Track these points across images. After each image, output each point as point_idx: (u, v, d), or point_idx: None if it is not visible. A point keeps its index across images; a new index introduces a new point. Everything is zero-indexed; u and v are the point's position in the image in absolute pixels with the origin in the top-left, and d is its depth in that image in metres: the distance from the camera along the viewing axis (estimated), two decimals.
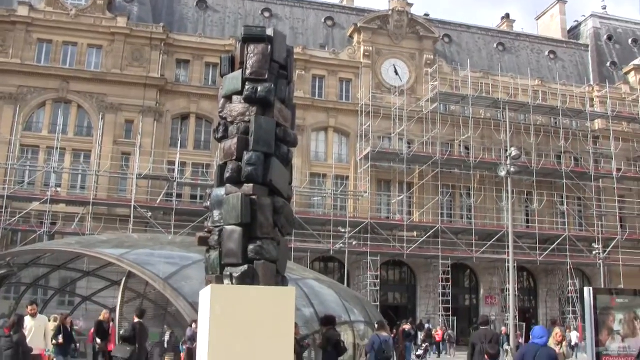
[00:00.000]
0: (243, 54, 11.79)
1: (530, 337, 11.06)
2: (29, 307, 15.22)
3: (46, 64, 45.12)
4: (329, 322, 14.45)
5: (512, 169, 27.02)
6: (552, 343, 15.38)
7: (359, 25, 51.71)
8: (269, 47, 11.74)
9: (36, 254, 23.84)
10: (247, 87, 11.53)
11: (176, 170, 43.03)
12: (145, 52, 46.55)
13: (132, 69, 45.93)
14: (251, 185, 11.05)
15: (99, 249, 20.44)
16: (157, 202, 42.73)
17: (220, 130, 11.91)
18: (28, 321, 13.96)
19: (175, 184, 43.03)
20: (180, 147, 44.19)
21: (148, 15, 48.81)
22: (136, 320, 16.84)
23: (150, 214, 42.35)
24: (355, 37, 52.14)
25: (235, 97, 11.79)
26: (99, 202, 41.52)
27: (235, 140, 11.38)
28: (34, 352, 13.12)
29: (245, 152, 11.22)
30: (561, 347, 15.73)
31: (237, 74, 11.74)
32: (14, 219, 39.87)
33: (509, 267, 44.73)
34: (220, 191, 11.42)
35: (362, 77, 50.20)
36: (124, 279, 19.15)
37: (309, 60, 49.65)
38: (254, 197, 10.99)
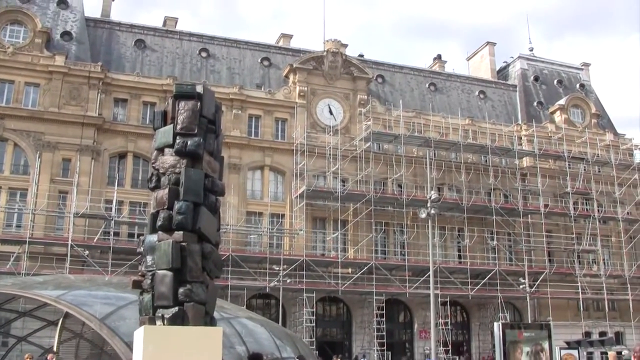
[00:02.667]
0: (174, 110, 12.72)
1: None
2: None
3: None
4: (256, 358, 15.24)
5: (432, 211, 28.29)
6: None
7: (294, 65, 52.85)
8: (199, 103, 12.67)
9: None
10: (177, 141, 12.46)
11: (113, 209, 43.20)
12: (83, 90, 46.71)
13: (69, 108, 46.01)
14: (181, 232, 11.93)
15: (36, 290, 20.85)
16: (94, 240, 42.72)
17: (153, 180, 12.82)
18: None
19: (113, 222, 43.15)
20: (118, 186, 44.38)
21: (86, 54, 49.06)
22: None
23: (87, 252, 42.38)
24: (291, 77, 53.26)
25: (167, 150, 12.70)
26: (35, 241, 41.28)
27: (167, 190, 12.27)
28: None
29: (176, 202, 12.11)
30: None
31: (169, 128, 12.66)
32: None
33: (441, 301, 46.30)
34: (153, 237, 12.27)
35: (298, 117, 51.25)
36: (61, 319, 19.63)
37: (245, 100, 50.47)
38: (183, 243, 11.86)
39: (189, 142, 12.43)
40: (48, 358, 20.58)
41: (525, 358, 14.61)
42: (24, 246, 40.76)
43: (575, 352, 38.44)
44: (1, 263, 40.71)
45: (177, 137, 12.55)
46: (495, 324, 14.36)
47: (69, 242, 41.24)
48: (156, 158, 13.01)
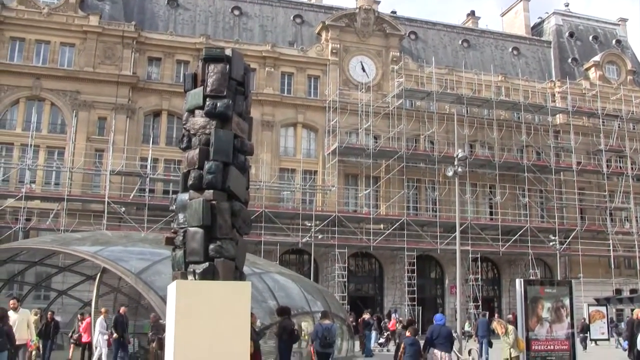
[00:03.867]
0: (204, 73, 13.14)
1: (434, 320, 14.88)
2: (10, 302, 16.30)
3: (19, 62, 45.68)
4: (284, 312, 15.81)
5: (459, 169, 28.56)
6: None
7: (326, 23, 52.84)
8: (227, 66, 13.08)
9: (14, 251, 24.90)
10: (207, 103, 12.91)
11: (148, 166, 43.90)
12: (117, 50, 47.30)
13: (104, 67, 46.66)
14: (211, 191, 12.43)
15: (75, 247, 21.58)
16: (130, 197, 43.52)
17: (185, 141, 13.32)
18: (11, 315, 15.09)
19: (148, 179, 43.83)
20: (153, 144, 45.00)
21: (120, 13, 49.52)
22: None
23: (123, 209, 43.27)
24: (323, 34, 53.30)
25: (197, 111, 13.17)
26: (73, 198, 42.24)
27: (197, 150, 12.75)
28: (19, 342, 14.27)
29: (206, 162, 12.60)
30: None
31: (199, 90, 13.11)
32: None
33: (472, 257, 46.60)
34: (184, 196, 12.81)
35: (330, 74, 51.40)
36: (99, 274, 20.34)
37: (278, 58, 50.71)
38: (214, 202, 12.36)
39: (218, 104, 12.83)
40: (121, 311, 21.36)
41: (546, 314, 15.01)
42: (62, 203, 41.73)
43: (603, 309, 38.77)
44: (41, 220, 41.85)
45: (207, 99, 12.96)
46: (517, 280, 14.79)
47: (106, 199, 42.09)
48: (187, 119, 13.47)
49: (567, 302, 15.41)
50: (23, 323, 15.29)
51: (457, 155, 28.63)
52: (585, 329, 35.68)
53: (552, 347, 14.99)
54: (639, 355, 14.81)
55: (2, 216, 41.46)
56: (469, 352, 18.41)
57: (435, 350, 14.52)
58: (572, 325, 15.25)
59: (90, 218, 42.06)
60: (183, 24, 52.28)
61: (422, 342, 15.09)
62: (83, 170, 43.36)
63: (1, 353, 13.52)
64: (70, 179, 42.88)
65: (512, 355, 14.76)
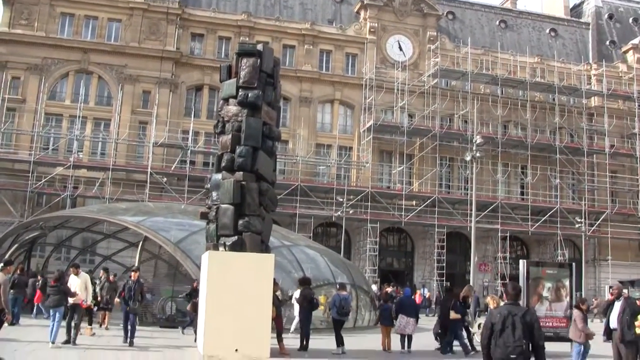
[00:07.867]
0: (237, 66, 14.75)
1: (403, 293, 19.38)
2: (71, 269, 18.23)
3: (69, 37, 47.45)
4: (305, 282, 17.34)
5: (477, 154, 29.61)
6: None
7: (365, 2, 53.64)
8: (259, 60, 14.62)
9: (63, 218, 26.83)
10: (240, 93, 14.52)
11: (190, 139, 45.49)
12: (161, 26, 48.86)
13: (149, 42, 48.26)
14: (241, 173, 14.06)
15: (120, 216, 23.39)
16: (172, 168, 45.25)
17: (219, 127, 14.98)
18: (73, 279, 17.04)
19: (189, 151, 45.43)
20: (194, 117, 46.57)
21: None
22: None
23: (165, 179, 45.01)
24: (362, 13, 54.27)
25: (231, 100, 14.80)
26: (117, 168, 44.07)
27: (230, 136, 14.40)
28: (75, 301, 16.18)
29: (237, 146, 14.23)
30: None
31: (233, 81, 14.72)
32: (39, 182, 42.52)
33: (501, 236, 47.63)
34: (218, 176, 14.45)
35: (367, 52, 52.37)
36: (141, 242, 22.11)
37: (317, 36, 51.85)
38: (243, 182, 13.98)
39: (249, 94, 14.40)
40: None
41: (546, 293, 16.47)
42: (107, 172, 43.46)
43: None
44: (88, 188, 43.79)
45: (240, 90, 14.57)
46: (521, 261, 16.23)
47: (149, 169, 43.88)
48: (222, 107, 15.11)
49: (567, 282, 16.75)
50: (82, 285, 17.14)
51: (476, 141, 29.70)
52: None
53: (550, 324, 16.34)
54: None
55: (52, 184, 43.36)
56: (479, 326, 19.74)
57: (401, 315, 17.91)
58: (570, 305, 16.50)
59: (134, 187, 43.78)
60: (225, 1, 53.41)
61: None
62: (127, 141, 45.06)
63: (59, 308, 15.42)
64: (115, 150, 44.61)
65: None
